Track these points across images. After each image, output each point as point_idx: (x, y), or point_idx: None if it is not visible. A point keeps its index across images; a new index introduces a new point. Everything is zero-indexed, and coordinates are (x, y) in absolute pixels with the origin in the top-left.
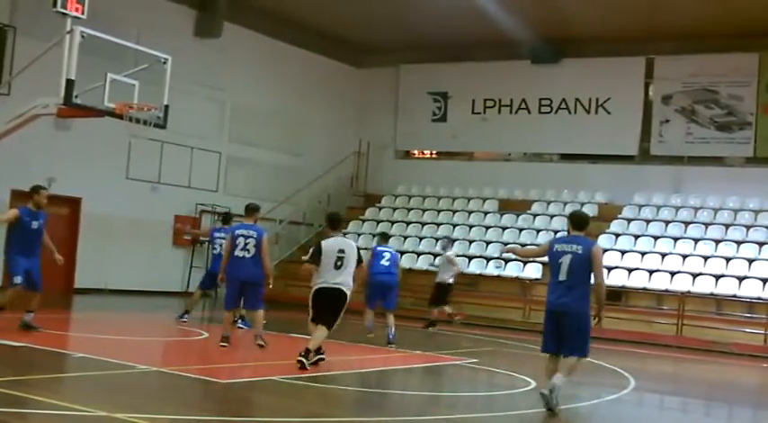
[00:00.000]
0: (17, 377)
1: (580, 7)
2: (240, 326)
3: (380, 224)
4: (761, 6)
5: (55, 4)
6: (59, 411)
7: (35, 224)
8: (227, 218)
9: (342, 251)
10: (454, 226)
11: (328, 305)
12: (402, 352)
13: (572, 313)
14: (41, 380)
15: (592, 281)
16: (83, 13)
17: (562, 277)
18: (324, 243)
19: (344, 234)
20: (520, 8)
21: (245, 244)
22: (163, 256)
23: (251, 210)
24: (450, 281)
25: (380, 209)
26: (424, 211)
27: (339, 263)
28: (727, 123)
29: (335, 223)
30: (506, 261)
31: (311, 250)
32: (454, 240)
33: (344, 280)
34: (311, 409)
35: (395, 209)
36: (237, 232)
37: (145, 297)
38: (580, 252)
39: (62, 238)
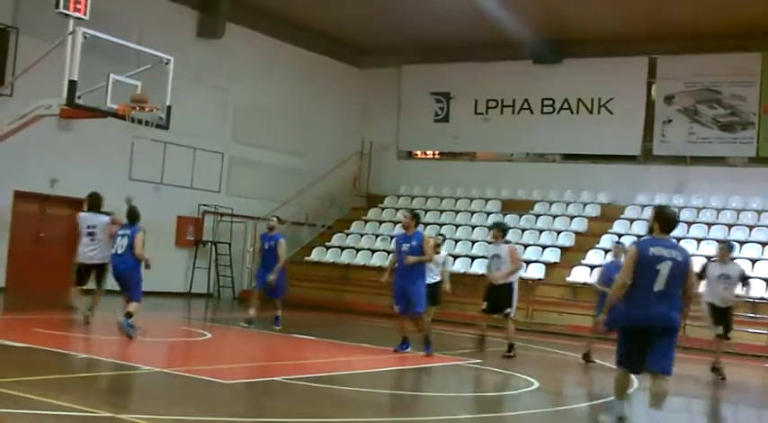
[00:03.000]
0: (19, 378)
1: (582, 7)
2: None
3: (383, 225)
4: (763, 6)
5: (57, 5)
6: (63, 412)
7: None
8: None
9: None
10: (457, 226)
11: None
12: (404, 352)
13: (673, 328)
14: (44, 380)
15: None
16: (85, 14)
17: (659, 287)
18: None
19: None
20: (521, 8)
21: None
22: (165, 256)
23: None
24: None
25: (383, 209)
26: (426, 211)
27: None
28: (730, 123)
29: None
30: None
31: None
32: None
33: None
34: (313, 410)
35: (397, 209)
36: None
37: (147, 297)
38: (680, 260)
39: (64, 239)
